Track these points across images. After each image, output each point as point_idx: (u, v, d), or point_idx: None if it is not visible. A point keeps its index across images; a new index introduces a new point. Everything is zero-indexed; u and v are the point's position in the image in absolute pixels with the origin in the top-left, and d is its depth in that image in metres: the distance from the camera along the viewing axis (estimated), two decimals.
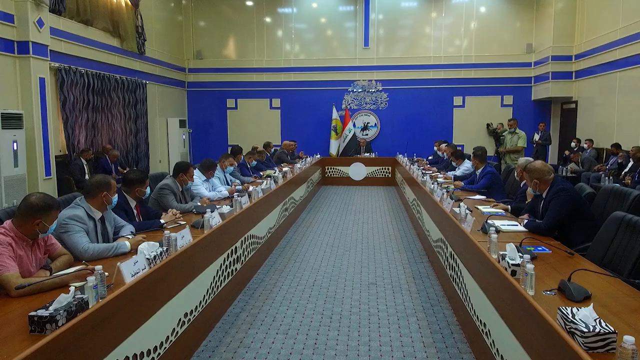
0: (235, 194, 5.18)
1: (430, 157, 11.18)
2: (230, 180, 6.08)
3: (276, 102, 13.97)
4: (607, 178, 7.85)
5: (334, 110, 13.53)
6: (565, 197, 3.37)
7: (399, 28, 13.56)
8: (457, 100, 13.44)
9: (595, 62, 10.91)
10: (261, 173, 7.29)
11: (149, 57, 11.84)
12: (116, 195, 3.24)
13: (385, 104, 13.66)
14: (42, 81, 7.80)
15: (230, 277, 4.00)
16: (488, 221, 3.49)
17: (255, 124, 14.00)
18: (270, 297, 4.20)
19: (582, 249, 3.14)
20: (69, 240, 2.84)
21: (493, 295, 2.70)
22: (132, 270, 2.40)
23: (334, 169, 12.36)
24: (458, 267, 3.66)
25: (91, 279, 2.07)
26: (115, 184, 3.27)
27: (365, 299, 4.15)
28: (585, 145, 10.69)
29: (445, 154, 7.95)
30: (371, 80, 13.61)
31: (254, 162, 7.37)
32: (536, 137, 12.24)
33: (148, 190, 3.84)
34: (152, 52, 12.00)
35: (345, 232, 6.69)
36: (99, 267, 2.16)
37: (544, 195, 3.59)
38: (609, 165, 9.19)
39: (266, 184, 5.58)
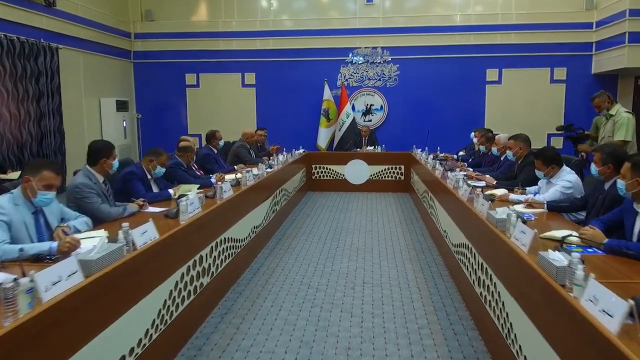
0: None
1: (461, 153, 7.86)
2: (60, 221, 2.69)
3: (250, 78, 10.60)
4: None
5: (326, 88, 10.18)
6: None
7: None
8: (492, 74, 10.07)
9: None
10: (171, 191, 3.88)
11: (65, 13, 8.43)
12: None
13: (395, 79, 10.27)
14: None
15: None
16: None
17: (222, 106, 10.69)
18: None
19: None
20: None
21: None
22: None
23: (323, 168, 8.99)
24: None
25: None
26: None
27: None
28: None
29: (509, 152, 4.49)
30: (376, 48, 10.19)
31: (159, 170, 3.92)
32: None
33: None
34: (72, 7, 8.59)
35: (329, 309, 3.34)
36: None
37: None
38: None
39: (118, 240, 2.21)
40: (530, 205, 3.34)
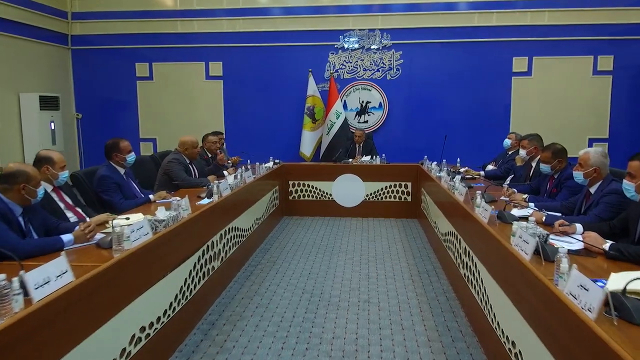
0: None
1: (489, 166, 5.84)
2: None
3: (216, 68, 8.54)
4: None
5: (311, 80, 8.14)
6: None
7: None
8: (519, 64, 8.08)
9: None
10: None
11: None
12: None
13: (397, 69, 8.22)
14: None
15: None
16: None
17: (182, 103, 8.66)
18: None
19: None
20: None
21: None
22: None
23: (304, 185, 6.90)
24: None
25: None
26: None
27: None
28: None
29: (629, 184, 2.33)
30: (373, 30, 8.16)
31: None
32: None
33: None
34: None
35: None
36: None
37: None
38: None
39: None
40: None
